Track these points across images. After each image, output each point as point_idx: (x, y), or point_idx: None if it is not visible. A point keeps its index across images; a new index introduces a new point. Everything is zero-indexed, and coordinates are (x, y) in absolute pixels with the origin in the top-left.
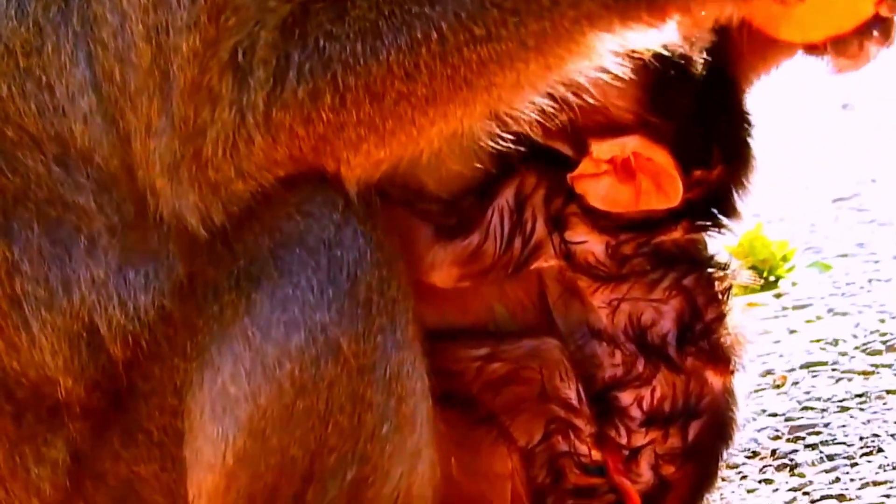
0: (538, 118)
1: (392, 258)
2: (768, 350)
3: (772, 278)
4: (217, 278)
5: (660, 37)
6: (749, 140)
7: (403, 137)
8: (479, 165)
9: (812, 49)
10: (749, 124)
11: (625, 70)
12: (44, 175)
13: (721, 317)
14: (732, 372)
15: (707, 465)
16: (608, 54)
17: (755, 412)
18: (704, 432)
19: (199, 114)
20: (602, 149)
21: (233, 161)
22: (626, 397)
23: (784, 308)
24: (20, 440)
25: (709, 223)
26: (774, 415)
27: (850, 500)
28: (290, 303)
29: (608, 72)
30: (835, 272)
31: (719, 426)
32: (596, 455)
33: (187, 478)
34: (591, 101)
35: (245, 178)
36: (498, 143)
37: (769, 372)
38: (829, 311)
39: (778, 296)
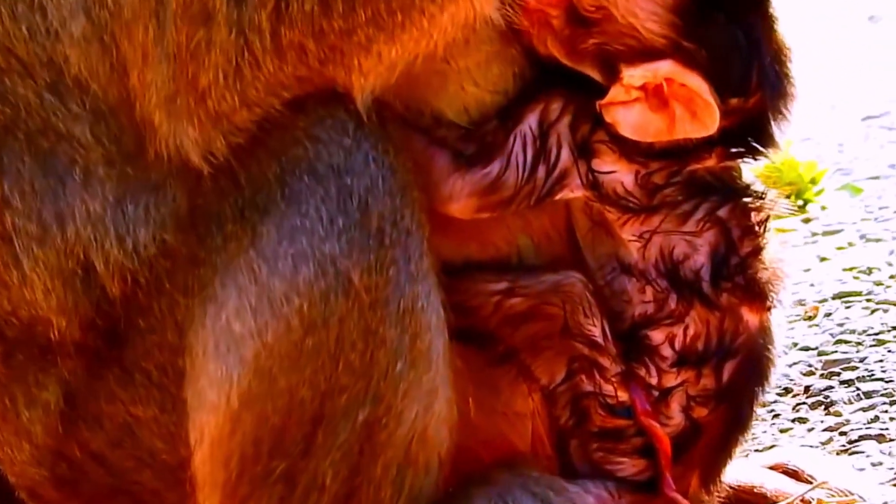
0: (569, 40)
1: (406, 185)
2: (799, 279)
3: (800, 202)
4: (220, 208)
5: None
6: (787, 67)
7: (415, 31)
8: (499, 90)
9: None
10: (786, 50)
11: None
12: (35, 103)
13: (758, 250)
14: (769, 309)
15: (741, 407)
16: None
17: (786, 346)
18: (739, 373)
19: (191, 38)
20: (634, 74)
21: (236, 89)
22: (657, 335)
23: (814, 234)
24: (10, 381)
25: (744, 151)
26: (807, 348)
27: (891, 440)
28: (298, 234)
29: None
30: (866, 195)
31: (755, 366)
32: (622, 395)
33: (189, 420)
34: (623, 23)
35: (250, 106)
36: (520, 64)
37: (800, 302)
38: (862, 237)
39: (807, 220)
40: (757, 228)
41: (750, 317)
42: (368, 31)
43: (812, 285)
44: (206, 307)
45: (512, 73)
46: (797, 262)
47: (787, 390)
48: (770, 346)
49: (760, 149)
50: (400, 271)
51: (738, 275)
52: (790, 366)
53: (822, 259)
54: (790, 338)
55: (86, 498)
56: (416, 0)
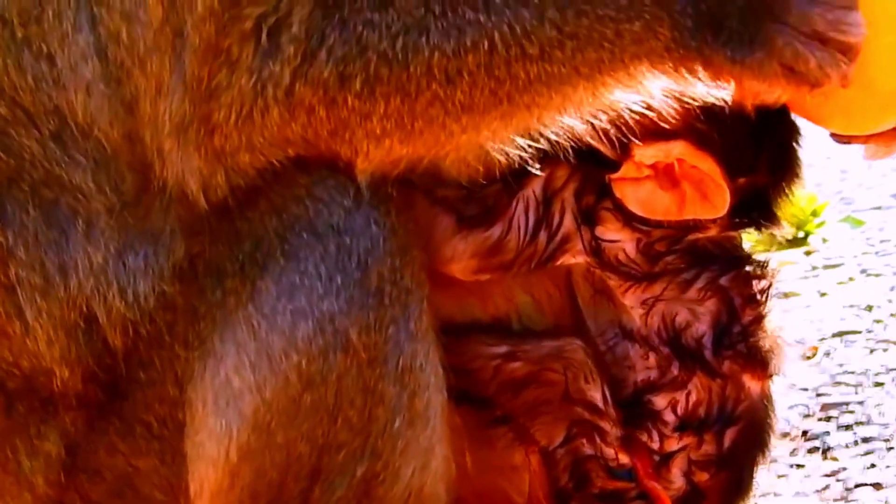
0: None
1: (406, 245)
2: (799, 316)
3: (801, 234)
4: (220, 261)
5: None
6: (796, 150)
7: (430, 139)
8: (507, 156)
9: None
10: (797, 132)
11: (671, 112)
12: (38, 153)
13: (759, 318)
14: (771, 376)
15: (741, 473)
16: (658, 91)
17: (785, 386)
18: (740, 439)
19: (213, 76)
20: (645, 153)
21: (243, 130)
22: (659, 401)
23: (814, 267)
24: (11, 432)
25: (746, 222)
26: (805, 389)
27: (888, 487)
28: (297, 290)
29: (654, 110)
30: (868, 227)
31: (756, 433)
32: (623, 459)
33: (188, 473)
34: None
35: (253, 150)
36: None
37: (799, 341)
38: (863, 271)
39: (808, 253)
40: (759, 297)
41: (752, 384)
42: (385, 124)
43: (812, 322)
44: (205, 361)
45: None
46: (797, 296)
47: (784, 434)
48: (771, 413)
49: (763, 223)
50: (399, 330)
51: (740, 343)
52: (789, 408)
53: (823, 294)
54: (788, 378)
55: None
56: (440, 116)
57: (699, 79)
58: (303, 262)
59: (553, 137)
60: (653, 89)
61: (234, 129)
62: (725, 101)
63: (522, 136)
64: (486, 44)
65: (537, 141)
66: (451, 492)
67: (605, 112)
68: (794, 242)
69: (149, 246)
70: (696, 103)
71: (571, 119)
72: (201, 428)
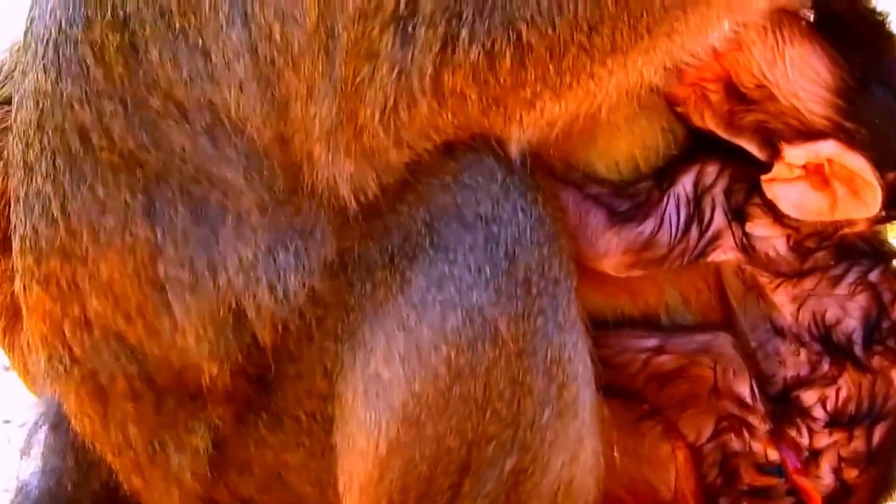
0: (727, 114)
1: (554, 235)
2: None
3: None
4: (369, 254)
5: None
6: None
7: (581, 92)
8: (655, 152)
9: None
10: None
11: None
12: (189, 149)
13: None
14: None
15: (889, 469)
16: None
17: None
18: (889, 435)
19: (357, 72)
20: (796, 154)
21: (391, 127)
22: (809, 397)
23: None
24: (160, 427)
25: (894, 215)
26: None
27: None
28: (446, 281)
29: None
30: None
31: None
32: (772, 454)
33: (338, 466)
34: (784, 103)
35: (402, 146)
36: (668, 119)
37: None
38: None
39: None
40: None
41: None
42: (536, 87)
43: None
44: (355, 354)
45: (660, 128)
46: None
47: None
48: None
49: None
50: (547, 320)
51: (889, 338)
52: None
53: None
54: None
55: None
56: (586, 63)
57: None
58: (451, 253)
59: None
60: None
61: (382, 127)
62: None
63: (668, 66)
64: None
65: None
66: (600, 485)
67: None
68: None
69: (299, 242)
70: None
71: (712, 39)
72: (351, 420)
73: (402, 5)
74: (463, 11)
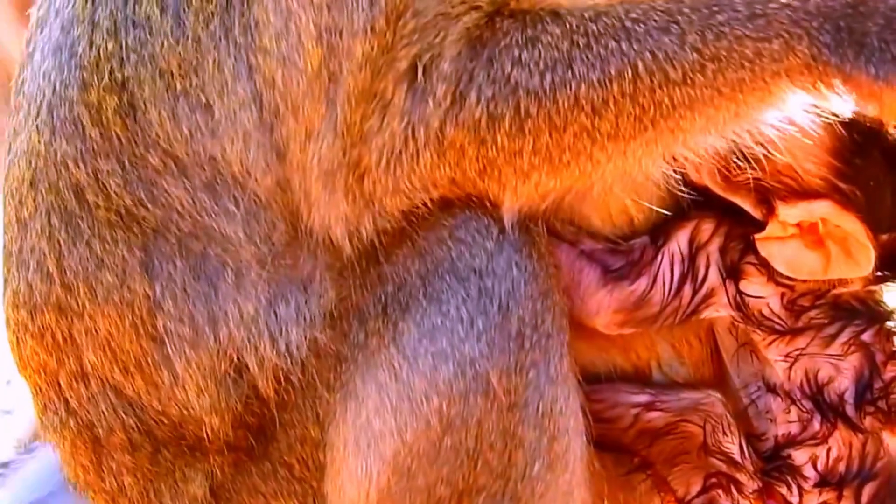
0: (723, 171)
1: (548, 289)
2: None
3: None
4: (364, 303)
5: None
6: None
7: (577, 171)
8: (649, 206)
9: None
10: None
11: (813, 126)
12: (188, 204)
13: None
14: None
15: None
16: (798, 109)
17: None
18: (878, 496)
19: (366, 120)
20: (791, 212)
21: (393, 174)
22: (800, 455)
23: None
24: (157, 476)
25: (889, 275)
26: None
27: None
28: (439, 333)
29: (795, 125)
30: None
31: (893, 488)
32: None
33: None
34: (780, 162)
35: (401, 194)
36: (674, 187)
37: None
38: None
39: None
40: None
41: (891, 440)
42: (533, 159)
43: None
44: (347, 403)
45: (656, 183)
46: None
47: None
48: None
49: None
50: (539, 374)
51: (881, 399)
52: None
53: None
54: None
55: None
56: (587, 145)
57: (838, 94)
58: (445, 305)
59: (699, 190)
60: (793, 106)
61: (384, 173)
62: (865, 124)
63: (667, 162)
64: (629, 72)
65: (683, 184)
66: None
67: (746, 133)
68: None
69: (300, 294)
70: (839, 160)
71: (716, 142)
72: (342, 469)
73: (420, 64)
74: (475, 71)
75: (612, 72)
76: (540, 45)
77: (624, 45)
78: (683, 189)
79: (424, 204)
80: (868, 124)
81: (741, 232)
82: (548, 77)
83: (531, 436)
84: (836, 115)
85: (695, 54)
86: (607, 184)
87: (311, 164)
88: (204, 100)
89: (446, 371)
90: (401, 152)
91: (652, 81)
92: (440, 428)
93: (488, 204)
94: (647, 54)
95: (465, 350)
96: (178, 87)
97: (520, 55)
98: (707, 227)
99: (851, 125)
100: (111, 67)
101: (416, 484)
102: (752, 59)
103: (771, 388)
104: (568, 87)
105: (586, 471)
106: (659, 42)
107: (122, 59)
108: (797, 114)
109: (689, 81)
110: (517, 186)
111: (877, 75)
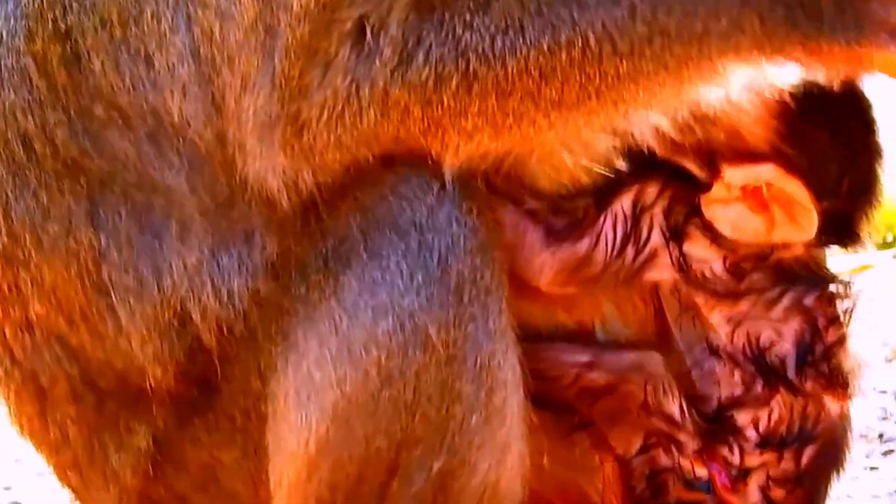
0: (669, 133)
1: (487, 245)
2: (881, 318)
3: (889, 237)
4: (305, 256)
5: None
6: (878, 173)
7: (519, 135)
8: (595, 168)
9: None
10: (880, 157)
11: (759, 90)
12: (132, 156)
13: (842, 339)
14: (850, 397)
15: (816, 491)
16: (742, 84)
17: (864, 388)
18: (818, 458)
19: (306, 75)
20: (735, 175)
21: (335, 129)
22: (742, 417)
23: None
24: (100, 427)
25: (832, 240)
26: (884, 392)
27: None
28: (379, 287)
29: (742, 89)
30: None
31: (832, 452)
32: (700, 471)
33: (269, 465)
34: (726, 124)
35: (341, 149)
36: (620, 150)
37: (883, 343)
38: None
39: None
40: (842, 318)
41: (832, 404)
42: (477, 121)
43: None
44: (288, 355)
45: (602, 143)
46: (882, 301)
47: (860, 436)
48: (848, 434)
49: (847, 241)
50: (478, 328)
51: (822, 363)
52: (866, 410)
53: None
54: (868, 380)
55: None
56: (530, 111)
57: (797, 63)
58: (385, 259)
59: (645, 151)
60: (736, 81)
61: (325, 128)
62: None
63: (607, 133)
64: (579, 41)
65: (628, 146)
66: (527, 488)
67: (688, 108)
68: (882, 245)
69: (242, 245)
70: (784, 124)
71: (658, 114)
72: (282, 421)
73: (368, 26)
74: (423, 33)
75: (563, 39)
76: (491, 10)
77: (576, 14)
78: (629, 151)
79: (366, 159)
80: (814, 90)
81: (686, 195)
82: (498, 41)
83: (469, 389)
84: (783, 83)
85: (644, 27)
86: (547, 149)
87: (247, 116)
88: (143, 51)
89: (385, 324)
90: (343, 109)
91: (600, 52)
92: (379, 380)
93: (430, 160)
94: (598, 24)
95: (404, 303)
96: (119, 37)
97: (471, 19)
98: (652, 190)
99: (797, 90)
100: (54, 16)
101: (354, 435)
102: (700, 37)
103: (714, 351)
104: (518, 52)
105: (524, 425)
106: (610, 12)
107: (66, 6)
108: (744, 79)
109: (635, 54)
110: (459, 146)
111: (837, 38)
